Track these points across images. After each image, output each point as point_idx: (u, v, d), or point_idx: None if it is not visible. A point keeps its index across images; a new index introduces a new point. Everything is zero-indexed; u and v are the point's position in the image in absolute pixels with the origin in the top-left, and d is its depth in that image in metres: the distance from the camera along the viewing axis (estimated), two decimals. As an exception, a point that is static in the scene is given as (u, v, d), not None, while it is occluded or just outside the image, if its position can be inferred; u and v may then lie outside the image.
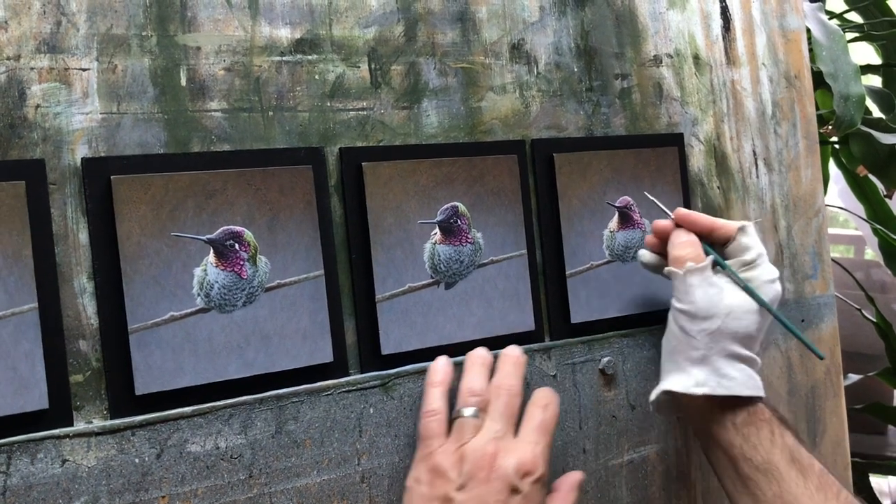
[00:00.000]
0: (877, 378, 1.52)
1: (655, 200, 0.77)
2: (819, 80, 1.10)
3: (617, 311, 0.77)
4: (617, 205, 0.78)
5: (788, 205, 0.90)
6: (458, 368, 0.66)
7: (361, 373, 0.66)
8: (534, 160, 0.75)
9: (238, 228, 0.61)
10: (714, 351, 0.68)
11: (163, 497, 0.57)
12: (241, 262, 0.61)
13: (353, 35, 0.68)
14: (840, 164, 1.52)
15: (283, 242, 0.63)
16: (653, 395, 0.71)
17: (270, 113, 0.64)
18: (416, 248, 0.68)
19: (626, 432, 0.77)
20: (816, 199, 0.92)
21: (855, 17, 1.52)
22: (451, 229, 0.69)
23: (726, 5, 0.88)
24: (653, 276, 0.76)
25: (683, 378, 0.69)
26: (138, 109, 0.59)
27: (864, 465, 1.49)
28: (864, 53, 1.76)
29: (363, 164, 0.66)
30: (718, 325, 0.68)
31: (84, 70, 0.58)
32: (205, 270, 0.60)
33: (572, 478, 0.68)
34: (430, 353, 0.67)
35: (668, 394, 0.71)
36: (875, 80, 1.51)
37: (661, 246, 0.74)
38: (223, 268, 0.60)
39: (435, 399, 0.64)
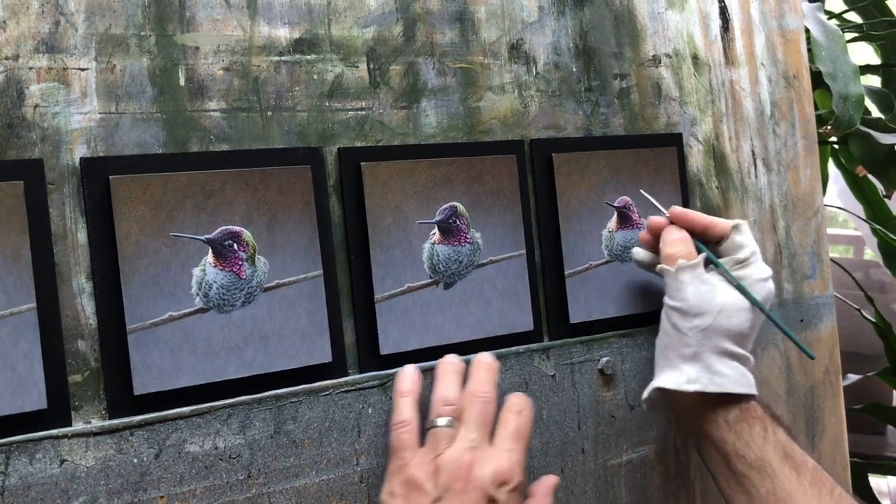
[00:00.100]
0: (876, 378, 1.52)
1: (650, 197, 0.77)
2: (818, 80, 1.10)
3: (616, 311, 0.77)
4: (616, 205, 0.78)
5: (787, 205, 0.90)
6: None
7: (360, 373, 0.66)
8: (532, 160, 0.75)
9: (237, 228, 0.61)
10: (706, 348, 0.68)
11: (161, 497, 0.57)
12: (240, 262, 0.61)
13: (351, 35, 0.68)
14: (839, 164, 1.52)
15: (281, 242, 0.63)
16: (645, 393, 0.72)
17: (269, 113, 0.64)
18: (415, 248, 0.68)
19: (625, 432, 0.77)
20: (815, 199, 0.92)
21: (854, 17, 1.52)
22: (449, 229, 0.69)
23: (725, 5, 0.88)
24: (651, 276, 0.76)
25: (675, 375, 0.69)
26: (137, 109, 0.59)
27: (864, 466, 1.49)
28: (864, 53, 1.76)
29: (362, 164, 0.66)
30: (710, 322, 0.68)
31: (82, 70, 0.58)
32: (203, 270, 0.60)
33: (548, 482, 0.67)
34: (429, 353, 0.67)
35: (661, 391, 0.71)
36: (874, 80, 1.51)
37: (656, 243, 0.74)
38: (222, 268, 0.60)
39: (405, 409, 0.63)
